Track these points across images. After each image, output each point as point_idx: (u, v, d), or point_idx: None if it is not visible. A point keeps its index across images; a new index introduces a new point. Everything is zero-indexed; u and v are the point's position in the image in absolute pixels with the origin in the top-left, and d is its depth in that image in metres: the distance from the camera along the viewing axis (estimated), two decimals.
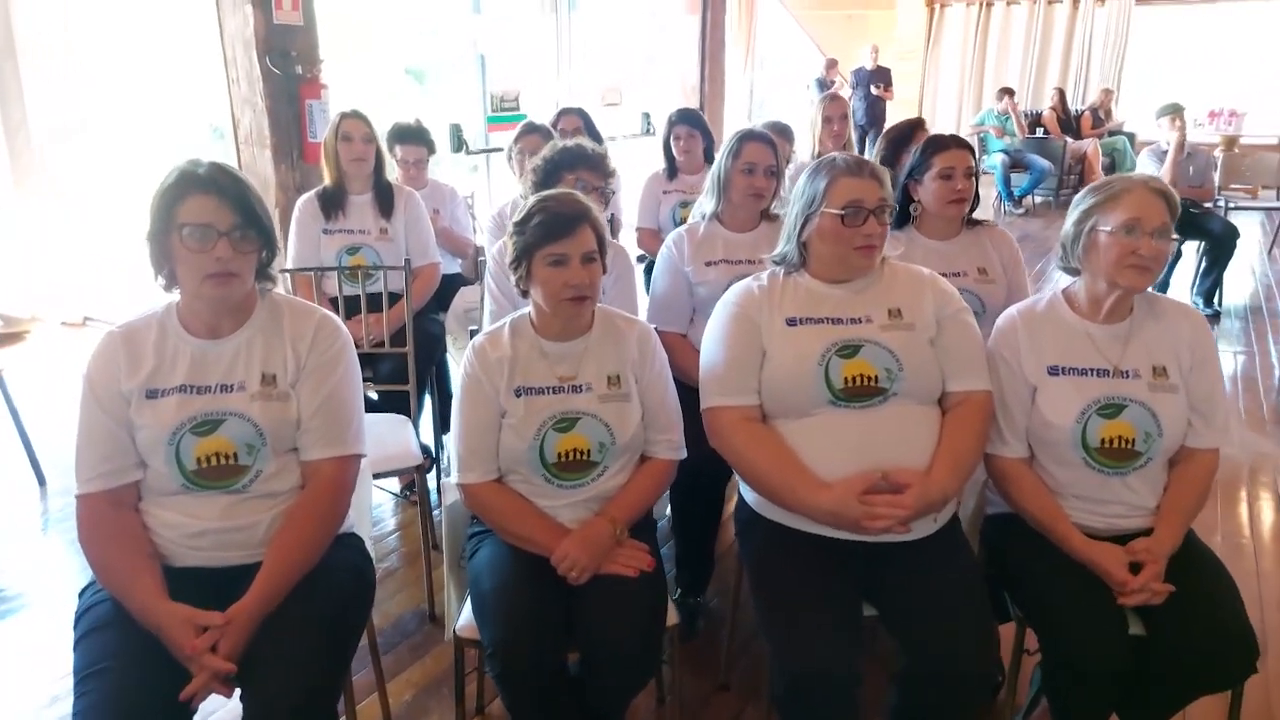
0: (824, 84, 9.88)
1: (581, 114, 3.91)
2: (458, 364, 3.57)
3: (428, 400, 3.40)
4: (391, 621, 2.53)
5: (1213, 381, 1.74)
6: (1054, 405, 1.73)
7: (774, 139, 2.49)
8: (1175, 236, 1.68)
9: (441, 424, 3.54)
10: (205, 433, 1.60)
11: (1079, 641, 1.60)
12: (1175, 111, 5.16)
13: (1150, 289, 1.76)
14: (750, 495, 1.84)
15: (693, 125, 3.83)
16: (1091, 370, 1.73)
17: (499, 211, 3.30)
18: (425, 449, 2.87)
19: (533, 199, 1.75)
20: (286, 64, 4.22)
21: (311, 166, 4.34)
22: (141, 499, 1.64)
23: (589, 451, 1.74)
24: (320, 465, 1.67)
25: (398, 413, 2.80)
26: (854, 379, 1.69)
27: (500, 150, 5.86)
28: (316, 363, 1.68)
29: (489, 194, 5.75)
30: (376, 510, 3.13)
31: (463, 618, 1.77)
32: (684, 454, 1.87)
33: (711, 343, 1.83)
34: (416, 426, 2.80)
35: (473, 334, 2.01)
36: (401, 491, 3.27)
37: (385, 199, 3.24)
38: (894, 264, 1.85)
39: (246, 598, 1.52)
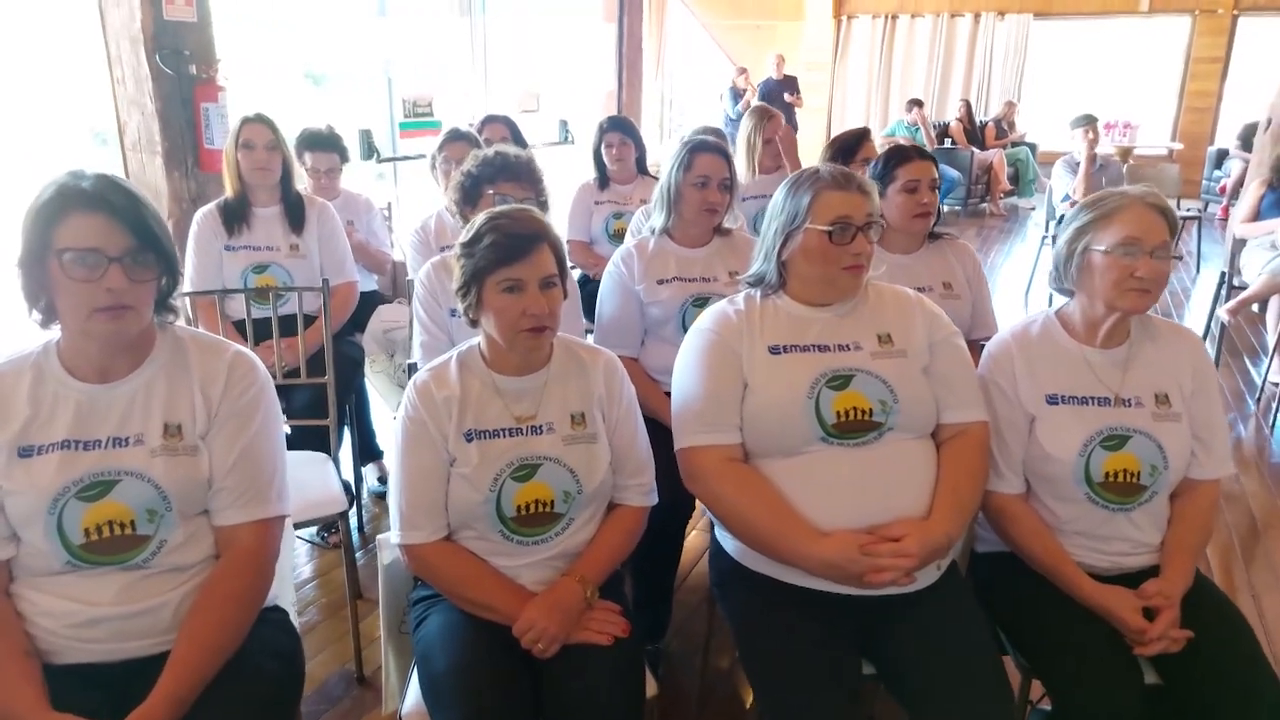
0: (737, 93, 9.86)
1: (507, 122, 3.68)
2: (376, 389, 3.36)
3: (345, 433, 3.11)
4: (315, 686, 2.25)
5: (1213, 408, 1.66)
6: (1054, 437, 1.62)
7: (728, 150, 2.34)
8: (1178, 255, 1.59)
9: (361, 455, 3.27)
10: (95, 497, 1.34)
11: (1095, 695, 1.48)
12: (1088, 123, 5.27)
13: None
14: (731, 544, 1.67)
15: (625, 133, 3.66)
16: (1093, 399, 1.62)
17: (422, 225, 3.05)
18: (345, 485, 2.60)
19: (482, 217, 1.54)
20: (179, 63, 3.86)
21: (209, 175, 3.98)
22: (14, 581, 1.35)
23: (552, 502, 1.54)
24: (238, 531, 1.42)
25: (315, 449, 2.52)
26: (846, 413, 1.54)
27: (413, 158, 5.60)
28: (231, 409, 1.43)
29: (398, 202, 5.45)
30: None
31: (410, 700, 1.54)
32: (656, 499, 1.68)
33: (686, 374, 1.65)
34: (337, 463, 2.53)
35: (411, 369, 1.77)
36: (318, 534, 2.97)
37: (295, 212, 2.95)
38: (878, 284, 1.71)
39: (152, 699, 1.26)
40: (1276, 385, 4.36)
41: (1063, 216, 5.45)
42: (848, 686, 1.48)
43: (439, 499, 1.53)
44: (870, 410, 1.55)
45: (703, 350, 1.63)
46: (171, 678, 1.29)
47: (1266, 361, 4.62)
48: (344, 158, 3.55)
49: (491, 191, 2.11)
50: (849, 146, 3.02)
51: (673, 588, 2.33)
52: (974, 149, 9.51)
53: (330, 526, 2.93)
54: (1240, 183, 7.95)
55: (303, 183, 3.28)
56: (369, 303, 3.32)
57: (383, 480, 3.34)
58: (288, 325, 2.57)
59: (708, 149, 2.29)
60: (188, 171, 4.07)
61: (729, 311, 1.66)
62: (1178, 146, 9.77)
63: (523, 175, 2.16)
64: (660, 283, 2.30)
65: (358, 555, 2.85)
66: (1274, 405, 4.26)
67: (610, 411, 1.62)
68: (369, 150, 5.16)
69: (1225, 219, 8.52)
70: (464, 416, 1.54)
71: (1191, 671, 1.51)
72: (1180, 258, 1.59)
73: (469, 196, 2.16)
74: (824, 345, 1.60)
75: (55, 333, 1.40)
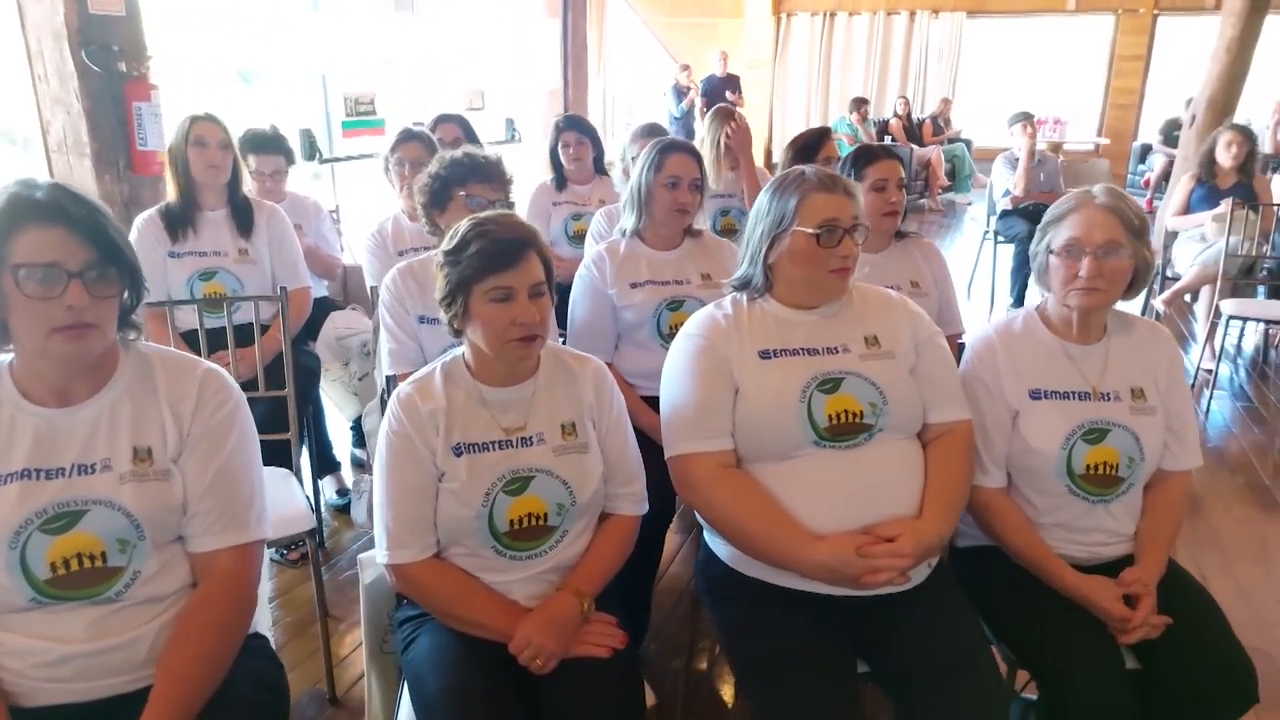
0: (680, 91, 9.87)
1: (460, 121, 3.60)
2: (332, 398, 3.26)
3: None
4: None
5: (1184, 401, 1.71)
6: (1038, 431, 1.64)
7: (698, 150, 2.32)
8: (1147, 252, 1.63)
9: (319, 467, 3.16)
10: (61, 529, 1.26)
11: (1083, 683, 1.51)
12: (1026, 119, 5.41)
13: (1120, 305, 1.70)
14: (724, 550, 1.65)
15: (582, 132, 3.61)
16: (1074, 393, 1.65)
17: (378, 229, 2.97)
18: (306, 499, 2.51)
19: (466, 223, 1.49)
20: (108, 60, 3.67)
21: (143, 178, 3.80)
22: None
23: (546, 515, 1.50)
24: (216, 558, 1.35)
25: (274, 464, 2.42)
26: (838, 416, 1.54)
27: (356, 158, 5.45)
28: (203, 429, 1.36)
29: (335, 202, 5.30)
30: None
31: None
32: (646, 507, 1.65)
33: (676, 381, 1.63)
34: (299, 477, 2.44)
35: (390, 383, 1.72)
36: (278, 551, 2.86)
37: (243, 215, 2.85)
38: (861, 286, 1.71)
39: None
40: (1208, 372, 4.54)
41: (1004, 211, 5.62)
42: (844, 686, 1.48)
43: (426, 516, 1.48)
44: (861, 413, 1.55)
45: (692, 356, 1.61)
46: (153, 717, 1.21)
47: (1197, 349, 4.81)
48: (290, 159, 3.43)
49: (463, 193, 2.06)
50: (810, 146, 3.03)
51: (652, 593, 2.31)
52: (913, 145, 9.69)
53: (291, 543, 2.83)
54: (1164, 176, 8.26)
55: (246, 185, 3.16)
56: (321, 309, 3.22)
57: (341, 493, 3.24)
58: (241, 335, 2.47)
59: (678, 149, 2.27)
60: (119, 174, 3.88)
61: (717, 316, 1.64)
62: (1104, 142, 10.10)
63: (494, 176, 2.11)
64: (633, 286, 2.28)
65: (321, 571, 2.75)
66: (1206, 391, 4.43)
67: (601, 420, 1.58)
68: (311, 151, 5.00)
69: (1151, 212, 8.84)
70: (451, 430, 1.49)
71: (1168, 655, 1.56)
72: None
73: (438, 199, 2.10)
74: (813, 349, 1.60)
75: (5, 354, 1.32)
